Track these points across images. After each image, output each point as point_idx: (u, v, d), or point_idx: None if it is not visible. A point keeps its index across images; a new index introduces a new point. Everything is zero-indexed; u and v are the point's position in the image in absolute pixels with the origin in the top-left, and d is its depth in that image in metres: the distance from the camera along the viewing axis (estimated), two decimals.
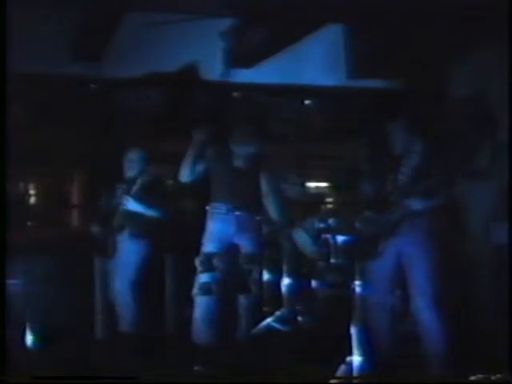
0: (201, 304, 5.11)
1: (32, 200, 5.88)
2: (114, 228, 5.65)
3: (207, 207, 5.34)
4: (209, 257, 5.09)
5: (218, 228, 5.26)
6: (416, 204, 4.55)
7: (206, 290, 5.05)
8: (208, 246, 5.22)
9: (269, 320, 6.58)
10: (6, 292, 4.07)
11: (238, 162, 5.32)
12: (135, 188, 5.61)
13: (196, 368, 4.86)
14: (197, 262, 5.13)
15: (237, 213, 5.24)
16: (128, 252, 5.63)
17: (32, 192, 6.12)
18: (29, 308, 5.37)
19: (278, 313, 6.63)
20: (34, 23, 6.07)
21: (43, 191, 5.87)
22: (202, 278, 5.11)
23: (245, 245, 5.28)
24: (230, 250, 5.22)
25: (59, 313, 5.72)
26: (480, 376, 4.20)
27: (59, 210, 5.98)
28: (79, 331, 5.63)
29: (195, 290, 5.13)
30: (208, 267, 5.05)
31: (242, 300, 5.31)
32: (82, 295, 5.91)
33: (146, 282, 5.96)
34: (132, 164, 5.76)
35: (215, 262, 5.05)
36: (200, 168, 5.23)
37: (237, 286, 5.19)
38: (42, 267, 5.71)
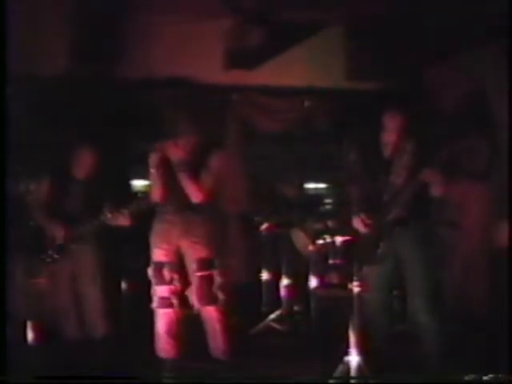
0: (163, 317, 4.84)
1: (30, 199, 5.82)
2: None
3: (155, 207, 4.97)
4: (160, 267, 4.81)
5: (163, 229, 4.89)
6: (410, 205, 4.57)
7: (166, 304, 4.79)
8: (157, 252, 4.88)
9: (267, 320, 6.63)
10: (6, 292, 4.07)
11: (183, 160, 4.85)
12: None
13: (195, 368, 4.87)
14: (149, 272, 4.87)
15: (183, 213, 4.85)
16: (87, 256, 5.55)
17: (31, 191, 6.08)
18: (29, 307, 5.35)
19: (276, 313, 6.69)
20: (35, 23, 6.09)
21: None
22: (159, 291, 4.83)
23: (193, 249, 4.84)
24: (178, 255, 4.85)
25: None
26: (479, 376, 4.20)
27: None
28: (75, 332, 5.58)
29: (155, 304, 4.85)
30: (161, 279, 4.79)
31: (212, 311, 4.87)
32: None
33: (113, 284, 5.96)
34: None
35: (167, 272, 4.78)
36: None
37: (201, 296, 4.82)
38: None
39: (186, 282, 4.84)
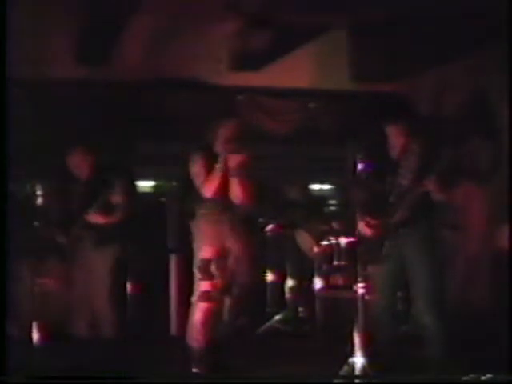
0: (202, 309, 4.96)
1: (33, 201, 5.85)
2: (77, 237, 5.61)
3: (198, 208, 5.08)
4: (207, 263, 4.94)
5: (211, 230, 5.04)
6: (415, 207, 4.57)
7: (207, 298, 4.92)
8: (203, 250, 5.02)
9: (272, 321, 6.64)
10: (6, 292, 4.08)
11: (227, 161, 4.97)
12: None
13: (195, 369, 4.87)
14: (195, 268, 4.99)
15: (228, 213, 5.03)
16: (95, 259, 5.60)
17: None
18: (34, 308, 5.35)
19: (281, 314, 6.70)
20: (36, 25, 6.12)
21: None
22: (203, 286, 4.96)
23: (238, 248, 5.04)
24: (225, 254, 4.99)
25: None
26: (479, 376, 4.19)
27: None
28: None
29: (195, 298, 4.97)
30: (207, 274, 4.92)
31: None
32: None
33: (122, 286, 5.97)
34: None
35: (213, 268, 4.93)
36: None
37: (237, 291, 5.03)
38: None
39: (229, 277, 4.98)
